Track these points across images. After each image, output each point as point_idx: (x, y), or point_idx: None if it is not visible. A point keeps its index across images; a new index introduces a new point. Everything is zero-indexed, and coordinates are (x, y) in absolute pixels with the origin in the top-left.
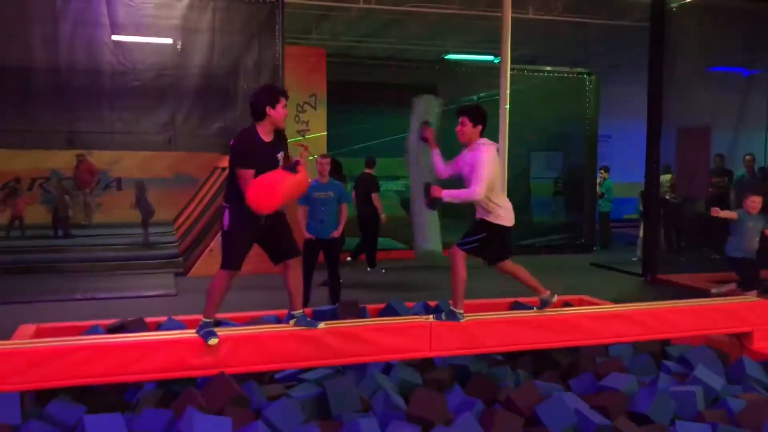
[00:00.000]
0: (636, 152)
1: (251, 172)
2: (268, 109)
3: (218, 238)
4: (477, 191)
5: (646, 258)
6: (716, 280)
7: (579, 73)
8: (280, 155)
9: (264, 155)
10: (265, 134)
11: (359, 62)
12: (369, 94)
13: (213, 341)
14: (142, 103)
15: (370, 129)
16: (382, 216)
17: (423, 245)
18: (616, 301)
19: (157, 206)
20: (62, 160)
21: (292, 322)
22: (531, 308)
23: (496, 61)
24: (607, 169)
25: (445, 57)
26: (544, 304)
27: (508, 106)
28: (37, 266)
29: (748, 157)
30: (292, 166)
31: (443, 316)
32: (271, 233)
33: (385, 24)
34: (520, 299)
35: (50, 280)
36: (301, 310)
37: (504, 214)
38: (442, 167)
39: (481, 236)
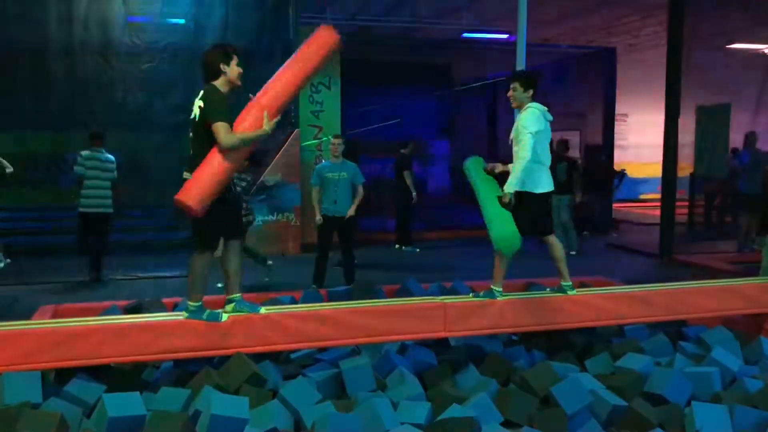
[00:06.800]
0: (654, 132)
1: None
2: (222, 66)
3: None
4: (527, 156)
5: (664, 239)
6: (735, 261)
7: (596, 50)
8: None
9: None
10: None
11: (374, 41)
12: (384, 73)
13: (224, 317)
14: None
15: (384, 109)
16: (414, 195)
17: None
18: (632, 282)
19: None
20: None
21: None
22: (545, 289)
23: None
24: None
25: (462, 36)
26: (560, 290)
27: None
28: (55, 248)
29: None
30: None
31: (481, 294)
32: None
33: (399, 2)
34: (536, 280)
35: (67, 262)
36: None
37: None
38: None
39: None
